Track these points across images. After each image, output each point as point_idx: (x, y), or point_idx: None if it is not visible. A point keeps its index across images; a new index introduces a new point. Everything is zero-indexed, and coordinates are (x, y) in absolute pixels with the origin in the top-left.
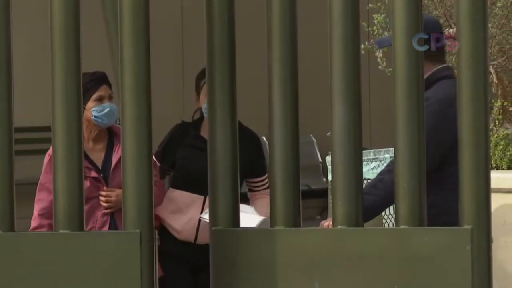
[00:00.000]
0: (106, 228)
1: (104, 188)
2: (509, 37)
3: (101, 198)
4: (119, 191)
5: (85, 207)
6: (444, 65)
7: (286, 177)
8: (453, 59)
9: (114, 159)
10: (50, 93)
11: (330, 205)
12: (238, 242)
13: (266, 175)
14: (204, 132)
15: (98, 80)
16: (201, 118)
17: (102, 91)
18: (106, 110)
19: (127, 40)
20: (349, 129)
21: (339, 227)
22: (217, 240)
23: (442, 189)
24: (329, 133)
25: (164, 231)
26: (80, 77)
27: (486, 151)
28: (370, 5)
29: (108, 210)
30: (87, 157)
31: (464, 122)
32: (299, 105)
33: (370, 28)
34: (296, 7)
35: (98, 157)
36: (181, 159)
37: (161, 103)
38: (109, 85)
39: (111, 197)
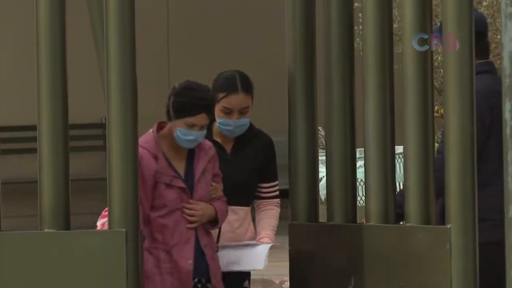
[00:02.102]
0: (190, 244)
1: (190, 200)
2: (494, 36)
3: (186, 211)
4: (204, 204)
5: (169, 220)
6: (484, 60)
7: (344, 175)
8: (439, 58)
9: (198, 170)
10: (36, 91)
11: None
12: (315, 236)
13: (276, 182)
14: (216, 136)
15: (201, 107)
16: (212, 119)
17: (198, 120)
18: (189, 137)
19: (112, 39)
20: (382, 127)
21: (370, 223)
22: (294, 234)
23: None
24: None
25: None
26: (66, 75)
27: (472, 149)
28: (356, 4)
29: (193, 225)
30: (171, 165)
31: (450, 119)
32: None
33: (356, 27)
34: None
35: (180, 166)
36: None
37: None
38: (209, 114)
39: (197, 210)
